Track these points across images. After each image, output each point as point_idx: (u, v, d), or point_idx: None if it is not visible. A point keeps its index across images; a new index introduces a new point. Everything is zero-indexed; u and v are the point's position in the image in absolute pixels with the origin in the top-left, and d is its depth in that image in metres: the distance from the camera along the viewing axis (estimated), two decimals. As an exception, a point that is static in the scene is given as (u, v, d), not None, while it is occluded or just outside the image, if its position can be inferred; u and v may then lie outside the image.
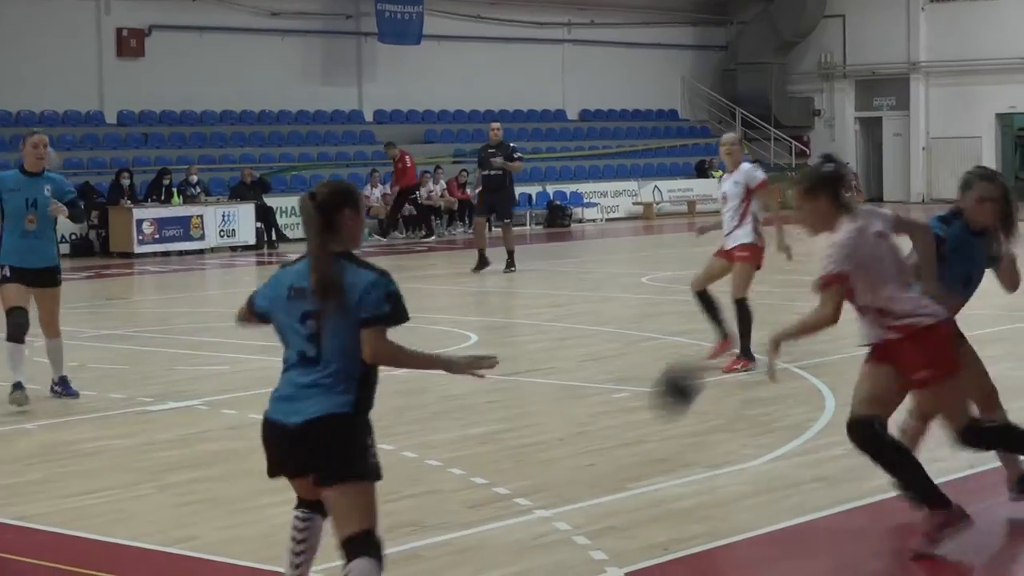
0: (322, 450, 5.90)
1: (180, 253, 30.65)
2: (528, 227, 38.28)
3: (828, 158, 7.58)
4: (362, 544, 5.92)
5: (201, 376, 13.69)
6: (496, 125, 25.35)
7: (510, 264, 24.05)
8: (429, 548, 7.61)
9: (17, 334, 12.02)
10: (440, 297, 20.88)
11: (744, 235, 13.50)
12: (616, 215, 40.86)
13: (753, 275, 13.60)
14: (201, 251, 31.03)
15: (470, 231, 35.48)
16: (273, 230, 33.09)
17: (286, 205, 33.68)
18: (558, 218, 38.63)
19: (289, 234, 33.67)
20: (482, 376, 6.19)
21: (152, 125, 36.49)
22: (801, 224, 7.44)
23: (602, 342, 15.69)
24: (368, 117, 40.56)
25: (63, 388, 12.34)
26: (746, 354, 13.34)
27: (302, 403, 5.90)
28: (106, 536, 7.96)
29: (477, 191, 25.25)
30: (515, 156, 24.65)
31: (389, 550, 7.47)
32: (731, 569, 7.57)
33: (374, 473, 6.04)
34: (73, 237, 30.91)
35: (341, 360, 5.93)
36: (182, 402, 12.17)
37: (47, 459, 10.14)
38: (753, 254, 13.54)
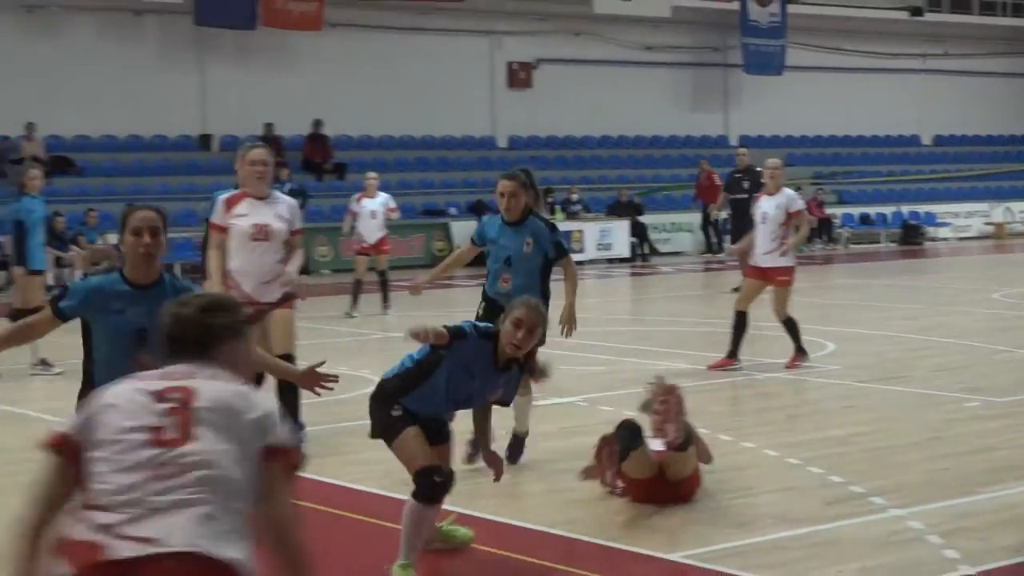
0: None
1: (562, 264, 31.06)
2: (882, 244, 37.48)
3: None
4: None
5: (581, 375, 13.79)
6: (743, 151, 24.28)
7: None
8: (789, 540, 7.50)
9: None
10: (802, 309, 20.55)
11: (789, 259, 13.98)
12: (968, 234, 39.57)
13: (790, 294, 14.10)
14: (580, 263, 31.38)
15: (828, 247, 34.96)
16: (646, 244, 33.27)
17: (658, 222, 33.88)
18: (912, 237, 37.70)
19: (661, 248, 33.84)
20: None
21: (538, 149, 37.16)
22: None
23: (954, 353, 15.19)
24: (733, 141, 40.34)
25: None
26: (802, 352, 13.91)
27: None
28: (497, 517, 8.11)
29: (727, 214, 24.00)
30: (761, 181, 23.54)
31: (750, 540, 7.44)
32: (1082, 573, 7.20)
33: (378, 434, 6.99)
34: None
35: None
36: (565, 398, 12.29)
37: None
38: (791, 277, 14.03)
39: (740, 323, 13.89)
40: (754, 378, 13.46)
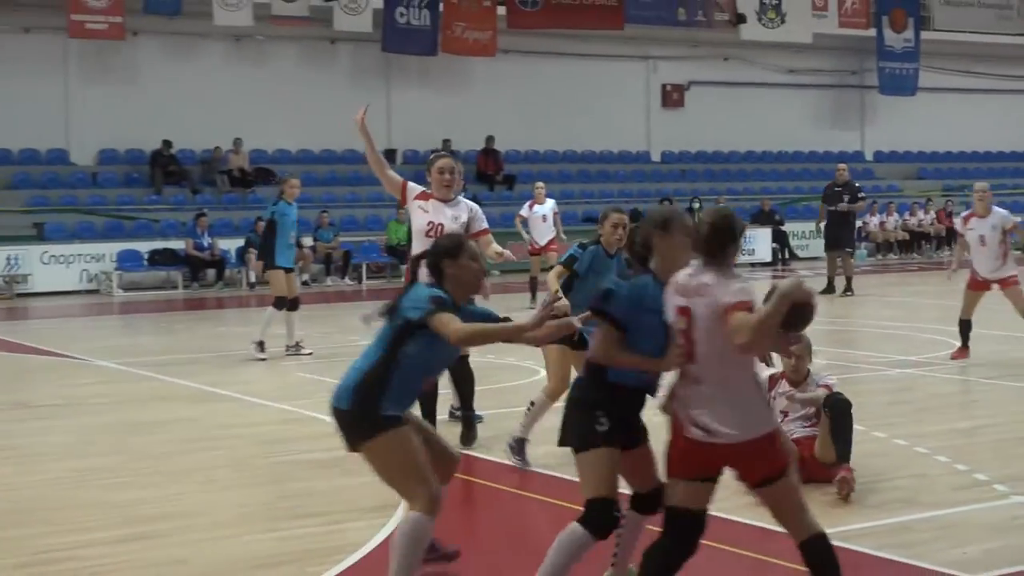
0: None
1: (708, 268, 30.87)
2: (1008, 252, 36.63)
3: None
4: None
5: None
6: (843, 166, 23.66)
7: (848, 289, 22.47)
8: (917, 522, 7.36)
9: None
10: (930, 310, 20.15)
11: (1011, 266, 14.05)
12: (1089, 243, 38.39)
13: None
14: (726, 266, 31.16)
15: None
16: (786, 250, 32.93)
17: (797, 229, 33.48)
18: (1037, 245, 36.79)
19: (800, 253, 33.42)
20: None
21: (688, 163, 36.97)
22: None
23: (1076, 353, 14.76)
24: (868, 157, 39.77)
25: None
26: None
27: None
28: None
29: (822, 224, 23.39)
30: (859, 196, 22.98)
31: (881, 522, 7.30)
32: None
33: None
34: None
35: None
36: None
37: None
38: (1016, 279, 14.04)
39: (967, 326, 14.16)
40: (884, 374, 13.22)
